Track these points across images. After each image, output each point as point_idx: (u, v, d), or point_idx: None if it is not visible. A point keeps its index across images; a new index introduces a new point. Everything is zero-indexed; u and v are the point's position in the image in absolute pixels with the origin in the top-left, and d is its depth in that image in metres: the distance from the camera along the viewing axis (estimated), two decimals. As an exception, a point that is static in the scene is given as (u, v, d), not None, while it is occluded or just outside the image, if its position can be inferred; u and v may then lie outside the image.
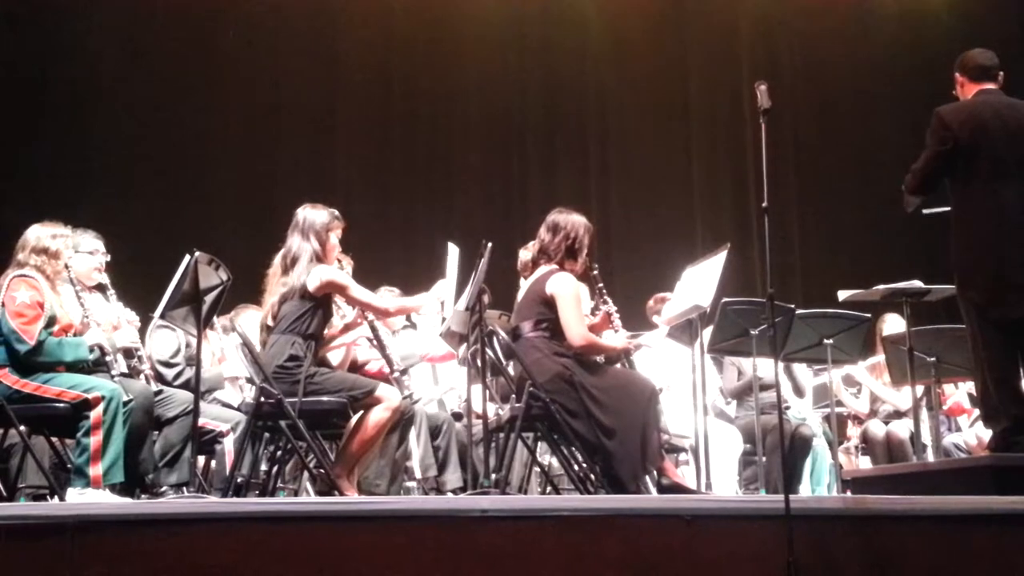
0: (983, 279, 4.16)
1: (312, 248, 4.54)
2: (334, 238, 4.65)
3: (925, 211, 4.75)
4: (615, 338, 4.72)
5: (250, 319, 5.48)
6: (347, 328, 4.81)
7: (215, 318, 5.13)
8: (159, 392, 4.88)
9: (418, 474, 5.56)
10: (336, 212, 4.69)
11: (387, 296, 5.45)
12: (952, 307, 4.60)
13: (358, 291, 4.60)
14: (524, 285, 4.72)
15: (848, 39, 9.14)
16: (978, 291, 4.17)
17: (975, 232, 4.19)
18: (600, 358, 4.87)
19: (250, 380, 4.75)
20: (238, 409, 5.07)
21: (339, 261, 4.78)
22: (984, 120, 4.21)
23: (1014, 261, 4.12)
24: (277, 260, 4.63)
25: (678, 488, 4.37)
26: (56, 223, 4.55)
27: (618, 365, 5.04)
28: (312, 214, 4.62)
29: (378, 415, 4.42)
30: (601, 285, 4.87)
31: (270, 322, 4.54)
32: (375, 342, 4.92)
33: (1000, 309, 4.11)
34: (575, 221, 4.68)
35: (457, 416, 5.80)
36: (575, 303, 4.55)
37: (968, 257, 4.22)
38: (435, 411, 5.87)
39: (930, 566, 3.33)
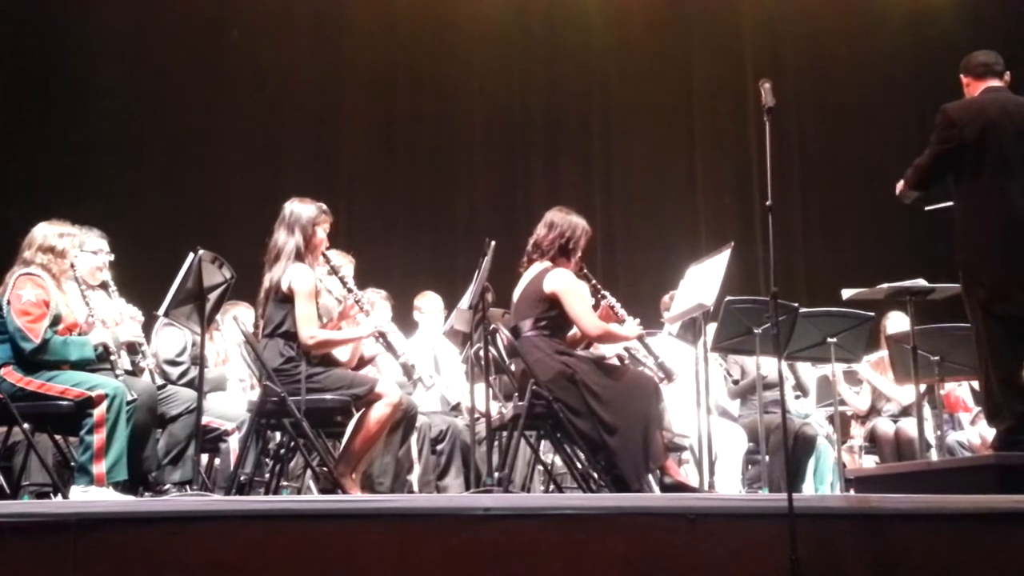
0: (989, 276, 4.15)
1: (295, 242, 4.47)
2: (321, 232, 4.56)
3: (928, 208, 4.73)
4: (628, 327, 4.70)
5: (241, 316, 5.44)
6: (342, 316, 4.70)
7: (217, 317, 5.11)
8: (162, 387, 4.89)
9: (416, 489, 5.52)
10: (324, 206, 4.60)
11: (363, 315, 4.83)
12: (956, 306, 4.59)
13: (300, 307, 4.40)
14: (520, 283, 4.71)
15: (853, 37, 9.11)
16: (983, 288, 4.16)
17: (981, 229, 4.18)
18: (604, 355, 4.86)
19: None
20: None
21: (324, 255, 4.65)
22: (991, 117, 4.19)
23: (1020, 258, 4.11)
24: None
25: (681, 487, 4.36)
26: (63, 222, 4.54)
27: (640, 352, 5.03)
28: (299, 208, 4.54)
29: (379, 411, 4.41)
30: (595, 282, 4.85)
31: (260, 323, 4.53)
32: (382, 340, 4.83)
33: (1005, 306, 4.11)
34: (574, 222, 4.66)
35: (456, 408, 5.79)
36: (580, 295, 4.54)
37: (974, 254, 4.21)
38: (438, 411, 5.86)
39: (933, 565, 3.32)
